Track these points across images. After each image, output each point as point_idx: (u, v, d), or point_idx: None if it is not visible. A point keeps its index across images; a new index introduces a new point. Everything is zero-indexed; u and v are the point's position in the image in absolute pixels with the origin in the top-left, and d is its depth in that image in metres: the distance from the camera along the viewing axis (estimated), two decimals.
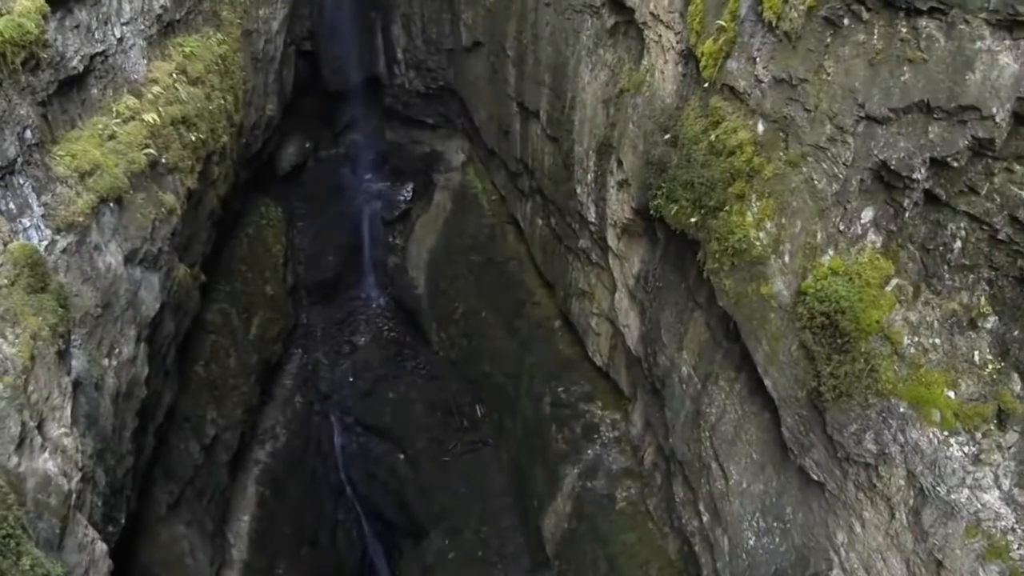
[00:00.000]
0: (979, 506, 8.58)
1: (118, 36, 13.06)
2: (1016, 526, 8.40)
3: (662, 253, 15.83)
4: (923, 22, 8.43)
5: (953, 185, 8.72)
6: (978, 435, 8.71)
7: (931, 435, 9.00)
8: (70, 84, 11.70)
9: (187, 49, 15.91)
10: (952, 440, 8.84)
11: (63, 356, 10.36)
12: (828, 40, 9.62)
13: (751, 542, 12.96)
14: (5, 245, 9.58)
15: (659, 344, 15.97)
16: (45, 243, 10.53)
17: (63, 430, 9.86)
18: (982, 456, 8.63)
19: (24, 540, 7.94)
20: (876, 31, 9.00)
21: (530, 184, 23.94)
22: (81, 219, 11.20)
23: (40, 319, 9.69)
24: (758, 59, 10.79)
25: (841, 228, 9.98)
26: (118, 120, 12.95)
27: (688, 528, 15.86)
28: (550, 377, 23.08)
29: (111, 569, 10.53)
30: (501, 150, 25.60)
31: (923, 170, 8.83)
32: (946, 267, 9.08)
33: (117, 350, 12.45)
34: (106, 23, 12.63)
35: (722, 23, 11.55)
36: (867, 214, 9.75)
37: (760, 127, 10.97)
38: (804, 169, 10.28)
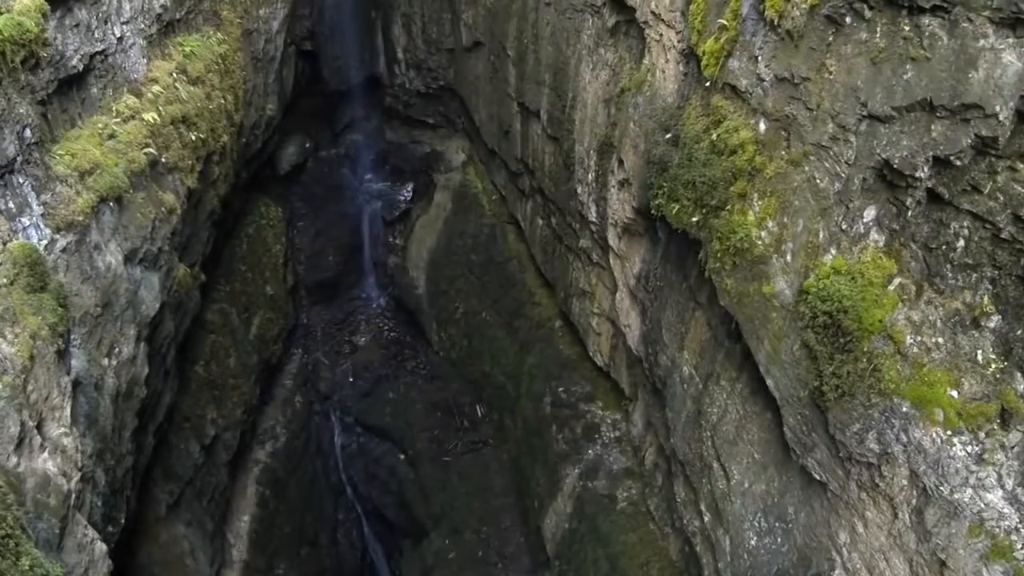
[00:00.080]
0: (982, 506, 8.54)
1: (118, 35, 13.04)
2: (1020, 526, 8.36)
3: (663, 253, 15.80)
4: (926, 20, 8.40)
5: (956, 184, 8.68)
6: (981, 435, 8.68)
7: (934, 435, 8.96)
8: (70, 83, 11.68)
9: (187, 48, 15.90)
10: (955, 440, 8.80)
11: (62, 356, 10.33)
12: (830, 38, 9.59)
13: (753, 542, 12.93)
14: (4, 244, 9.56)
15: (660, 344, 15.95)
16: (45, 242, 10.51)
17: (62, 430, 9.83)
18: (985, 456, 8.60)
19: (23, 540, 7.91)
20: (878, 29, 8.97)
21: (531, 184, 23.91)
22: (81, 218, 11.17)
23: (39, 318, 9.66)
24: (760, 58, 10.76)
25: (843, 227, 9.95)
26: (118, 119, 12.93)
27: (689, 528, 15.83)
28: (551, 377, 23.05)
29: (111, 569, 10.50)
30: (502, 150, 25.58)
31: (926, 169, 8.80)
32: (949, 266, 9.04)
33: (117, 350, 12.42)
34: (106, 22, 12.61)
35: (724, 22, 11.52)
36: (869, 213, 9.72)
37: (762, 126, 10.94)
38: (806, 168, 10.25)
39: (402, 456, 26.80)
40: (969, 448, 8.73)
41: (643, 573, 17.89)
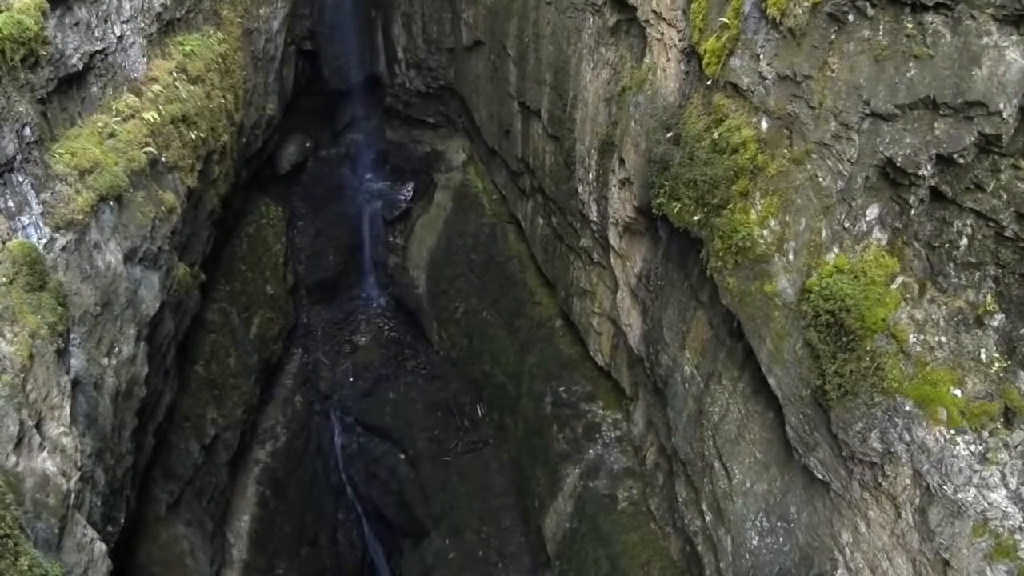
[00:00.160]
0: (986, 505, 8.50)
1: (118, 34, 13.01)
2: None
3: (664, 252, 15.77)
4: (929, 17, 8.36)
5: (959, 182, 8.65)
6: (985, 433, 8.64)
7: (937, 434, 8.93)
8: (70, 82, 11.65)
9: (187, 48, 15.87)
10: (959, 439, 8.77)
11: (62, 355, 10.30)
12: (833, 36, 9.56)
13: (754, 542, 12.89)
14: (4, 243, 9.52)
15: (661, 343, 15.91)
16: (44, 241, 10.47)
17: (62, 429, 9.80)
18: (989, 455, 8.56)
19: (22, 540, 7.88)
20: (881, 27, 8.94)
21: (531, 183, 23.88)
22: (80, 217, 11.14)
23: (39, 317, 9.63)
24: (762, 56, 10.73)
25: (846, 225, 9.92)
26: (118, 118, 12.90)
27: (690, 528, 15.80)
28: (551, 377, 23.02)
29: (110, 569, 10.47)
30: (502, 149, 25.54)
31: (929, 167, 8.77)
32: (952, 264, 9.01)
33: (117, 349, 12.39)
34: (106, 21, 12.58)
35: (725, 20, 11.49)
36: (872, 211, 9.68)
37: (764, 124, 10.90)
38: (808, 166, 10.22)
39: (402, 456, 26.77)
40: (973, 447, 8.69)
41: (644, 573, 17.86)
